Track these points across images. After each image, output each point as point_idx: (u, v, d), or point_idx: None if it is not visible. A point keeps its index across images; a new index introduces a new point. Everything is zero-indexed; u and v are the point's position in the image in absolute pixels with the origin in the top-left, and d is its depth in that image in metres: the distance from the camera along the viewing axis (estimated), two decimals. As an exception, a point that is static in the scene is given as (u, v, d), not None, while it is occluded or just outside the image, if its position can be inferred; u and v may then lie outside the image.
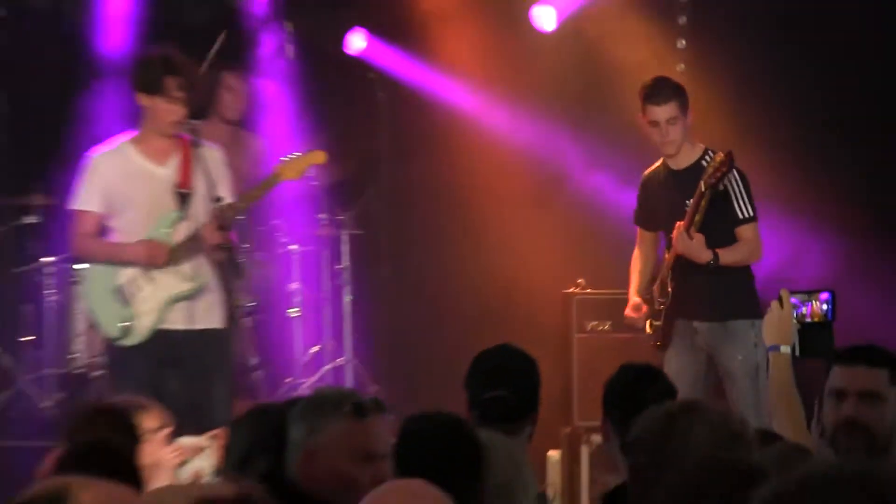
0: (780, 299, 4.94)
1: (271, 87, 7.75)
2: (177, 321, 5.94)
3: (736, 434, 3.09)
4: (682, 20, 7.85)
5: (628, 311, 6.37)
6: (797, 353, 5.02)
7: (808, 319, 5.37)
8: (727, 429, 3.10)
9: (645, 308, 6.37)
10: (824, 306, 5.53)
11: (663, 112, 5.96)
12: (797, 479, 1.46)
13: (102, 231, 5.96)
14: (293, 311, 7.60)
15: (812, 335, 5.20)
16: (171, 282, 5.94)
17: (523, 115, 8.01)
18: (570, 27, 7.80)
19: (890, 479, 1.45)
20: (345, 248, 7.78)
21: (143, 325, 5.94)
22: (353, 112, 7.89)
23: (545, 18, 7.84)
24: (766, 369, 5.25)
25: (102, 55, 7.66)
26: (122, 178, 6.08)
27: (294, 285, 7.72)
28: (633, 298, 6.37)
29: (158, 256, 5.81)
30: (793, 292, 4.52)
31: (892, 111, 7.56)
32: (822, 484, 1.46)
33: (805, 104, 7.75)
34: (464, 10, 7.64)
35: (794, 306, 5.24)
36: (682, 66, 7.63)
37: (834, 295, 5.35)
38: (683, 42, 7.80)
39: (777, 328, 4.85)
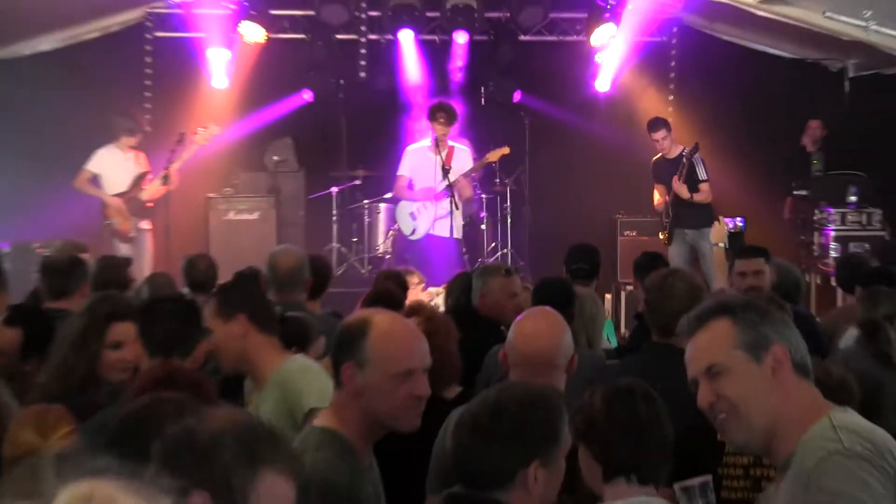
0: (718, 220, 11.21)
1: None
2: (437, 230, 11.16)
3: (698, 286, 5.29)
4: (671, 85, 13.90)
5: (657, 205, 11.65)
6: (727, 247, 11.15)
7: (732, 230, 11.51)
8: (694, 283, 5.29)
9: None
10: (740, 224, 11.79)
11: (659, 135, 11.12)
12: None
13: (409, 185, 11.25)
14: (483, 226, 12.84)
15: (734, 239, 11.34)
16: (433, 212, 11.25)
17: (602, 133, 13.58)
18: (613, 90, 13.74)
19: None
20: (508, 196, 13.00)
21: (421, 231, 11.25)
22: (514, 129, 13.01)
23: (602, 84, 13.61)
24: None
25: (406, 98, 13.48)
26: (420, 161, 11.34)
27: (483, 214, 12.84)
28: (658, 206, 11.58)
29: (431, 198, 11.14)
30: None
31: (778, 131, 13.31)
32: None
33: (736, 126, 13.39)
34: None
35: (726, 224, 11.52)
36: (671, 108, 13.67)
37: (746, 219, 11.82)
38: (671, 96, 13.84)
39: (717, 234, 10.98)
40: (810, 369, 3.16)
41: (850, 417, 3.10)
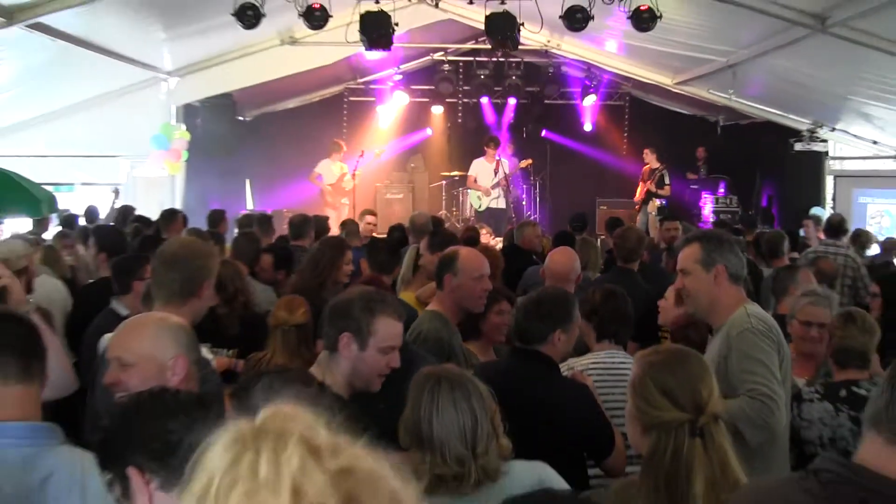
0: (653, 199, 20.41)
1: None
2: (494, 205, 19.27)
3: (643, 235, 9.03)
4: (626, 126, 22.98)
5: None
6: (657, 215, 20.31)
7: (660, 206, 20.59)
8: (640, 233, 8.99)
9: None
10: (664, 203, 21.07)
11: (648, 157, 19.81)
12: None
13: (474, 181, 20.55)
14: (523, 202, 20.43)
15: (661, 210, 20.13)
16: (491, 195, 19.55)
17: (589, 152, 22.26)
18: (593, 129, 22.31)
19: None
20: (537, 188, 20.95)
21: (484, 206, 19.12)
22: (541, 151, 21.01)
23: (588, 126, 22.01)
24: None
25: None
26: (481, 168, 19.03)
27: (523, 197, 20.67)
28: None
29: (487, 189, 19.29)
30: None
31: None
32: None
33: (660, 150, 19.65)
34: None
35: (657, 202, 20.77)
36: (625, 140, 22.26)
37: (667, 201, 21.04)
38: (625, 132, 22.99)
39: (651, 207, 20.14)
40: (741, 278, 4.64)
41: (756, 308, 4.66)
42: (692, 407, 3.12)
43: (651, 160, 19.78)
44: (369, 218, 12.52)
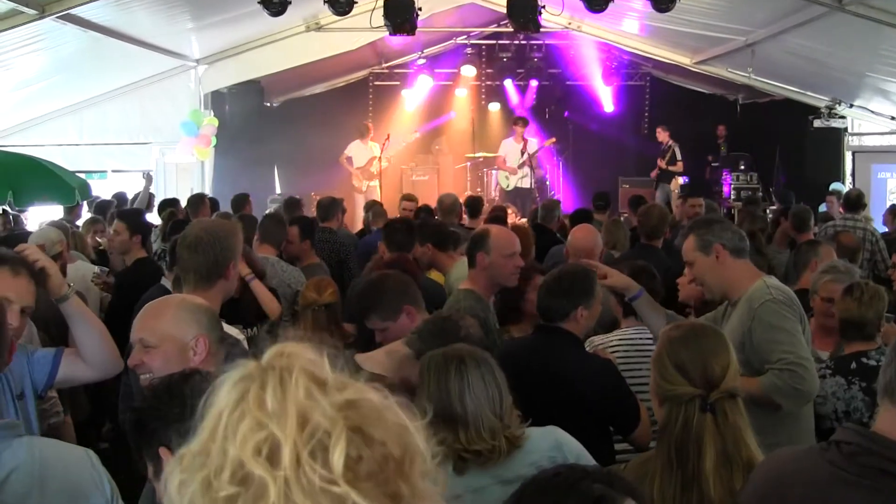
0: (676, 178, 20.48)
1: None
2: (521, 184, 19.72)
3: (665, 212, 9.03)
4: (647, 107, 23.08)
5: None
6: (679, 193, 20.08)
7: (683, 184, 20.36)
8: (663, 210, 8.98)
9: None
10: (686, 181, 21.02)
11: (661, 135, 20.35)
12: None
13: (504, 161, 20.26)
14: (547, 182, 20.88)
15: (683, 188, 20.03)
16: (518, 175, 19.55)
17: (609, 132, 22.79)
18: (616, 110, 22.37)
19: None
20: (560, 167, 21.64)
21: (512, 185, 19.51)
22: (564, 131, 21.10)
23: (608, 107, 22.00)
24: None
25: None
26: (509, 148, 19.18)
27: (546, 177, 20.92)
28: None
29: (515, 169, 19.52)
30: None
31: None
32: None
33: (681, 129, 20.05)
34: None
35: (679, 180, 20.81)
36: (646, 121, 22.44)
37: (689, 178, 21.06)
38: (646, 113, 22.82)
39: (674, 185, 20.24)
40: (743, 250, 4.74)
41: (774, 280, 4.76)
42: (703, 382, 3.17)
43: (664, 137, 20.08)
44: (406, 203, 12.49)
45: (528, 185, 19.29)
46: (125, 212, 10.71)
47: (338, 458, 1.29)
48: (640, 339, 5.47)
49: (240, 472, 1.31)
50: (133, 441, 2.64)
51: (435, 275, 7.58)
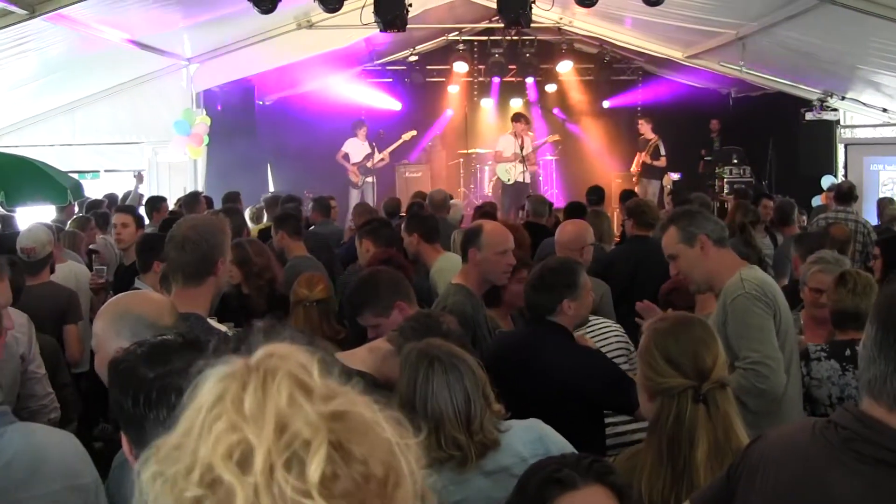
0: (668, 174, 20.76)
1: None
2: (520, 179, 20.52)
3: (655, 207, 9.68)
4: (639, 101, 22.89)
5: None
6: (672, 189, 20.35)
7: (675, 180, 20.53)
8: (652, 205, 9.47)
9: None
10: (678, 177, 21.11)
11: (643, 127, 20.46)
12: None
13: (500, 156, 20.68)
14: (540, 178, 21.58)
15: (676, 184, 20.22)
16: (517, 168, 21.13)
17: (606, 129, 23.56)
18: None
19: None
20: (555, 163, 21.79)
21: (512, 178, 20.06)
22: (554, 127, 22.52)
23: (605, 103, 22.54)
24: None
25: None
26: (506, 143, 19.62)
27: (541, 172, 21.33)
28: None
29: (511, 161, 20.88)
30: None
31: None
32: None
33: (675, 123, 20.42)
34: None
35: (671, 176, 20.95)
36: (639, 114, 21.84)
37: (683, 174, 21.07)
38: (639, 107, 23.04)
39: (667, 181, 20.62)
40: (725, 239, 4.76)
41: (753, 272, 4.73)
42: (695, 373, 3.17)
43: (646, 131, 20.14)
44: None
45: (525, 181, 19.42)
46: (126, 206, 10.86)
47: (314, 470, 1.24)
48: (602, 326, 5.64)
49: (208, 475, 1.26)
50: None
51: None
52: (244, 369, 1.32)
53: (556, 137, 20.79)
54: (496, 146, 20.06)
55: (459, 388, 3.38)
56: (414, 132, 20.54)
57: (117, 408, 2.55)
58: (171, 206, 12.64)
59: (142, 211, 11.21)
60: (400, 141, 20.24)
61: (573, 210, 10.40)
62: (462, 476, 3.38)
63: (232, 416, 1.27)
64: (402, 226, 7.88)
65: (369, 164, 19.66)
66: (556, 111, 22.68)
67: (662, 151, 19.86)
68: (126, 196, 14.21)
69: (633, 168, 20.50)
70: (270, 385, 1.29)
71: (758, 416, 4.29)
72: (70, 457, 2.94)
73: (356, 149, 19.65)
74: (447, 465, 3.33)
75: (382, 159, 19.89)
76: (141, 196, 14.38)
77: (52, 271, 7.52)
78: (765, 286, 4.63)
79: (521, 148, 19.26)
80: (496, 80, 22.38)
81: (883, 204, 13.66)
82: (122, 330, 3.41)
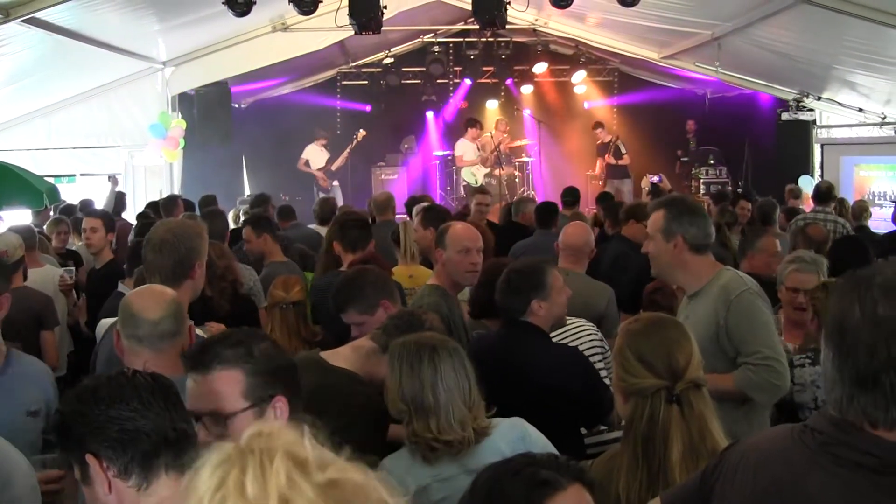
0: (646, 176, 21.00)
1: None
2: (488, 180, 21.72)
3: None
4: (615, 102, 22.74)
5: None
6: (650, 192, 20.42)
7: (653, 182, 20.54)
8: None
9: None
10: (657, 179, 21.13)
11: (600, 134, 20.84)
12: None
13: (461, 160, 21.28)
14: (516, 180, 21.25)
15: (654, 187, 20.17)
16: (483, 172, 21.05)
17: (582, 130, 23.55)
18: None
19: None
20: (530, 165, 21.73)
21: (480, 180, 21.49)
22: (529, 128, 23.54)
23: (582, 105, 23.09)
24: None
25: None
26: (466, 147, 20.34)
27: (517, 174, 21.55)
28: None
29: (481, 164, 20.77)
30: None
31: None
32: None
33: (651, 125, 21.53)
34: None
35: (650, 178, 21.05)
36: (615, 114, 22.52)
37: (661, 176, 21.29)
38: (615, 108, 22.95)
39: (644, 183, 20.68)
40: (705, 246, 4.77)
41: (736, 272, 4.88)
42: (668, 373, 3.17)
43: (602, 136, 20.63)
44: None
45: (494, 182, 19.61)
46: (96, 210, 10.82)
47: None
48: (576, 326, 5.62)
49: None
50: (60, 446, 2.58)
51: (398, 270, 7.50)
52: (239, 453, 1.36)
53: (529, 142, 20.98)
54: (454, 151, 20.59)
55: (464, 372, 3.52)
56: (363, 132, 20.46)
57: (106, 422, 2.45)
58: (144, 209, 12.68)
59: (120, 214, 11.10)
60: (354, 143, 20.29)
61: (545, 210, 10.27)
62: (448, 473, 3.48)
63: (237, 500, 1.31)
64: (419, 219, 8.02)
65: (333, 168, 19.95)
66: (529, 112, 22.65)
67: (623, 150, 20.22)
68: (110, 203, 14.14)
69: (597, 171, 20.89)
70: (268, 467, 1.33)
71: (737, 419, 4.28)
72: (15, 461, 3.00)
73: (316, 155, 19.92)
74: (445, 455, 3.47)
75: (344, 160, 20.13)
76: (121, 196, 14.46)
77: (25, 277, 7.39)
78: (755, 284, 4.66)
79: (497, 150, 19.72)
80: (471, 81, 22.42)
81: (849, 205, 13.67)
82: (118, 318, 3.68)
